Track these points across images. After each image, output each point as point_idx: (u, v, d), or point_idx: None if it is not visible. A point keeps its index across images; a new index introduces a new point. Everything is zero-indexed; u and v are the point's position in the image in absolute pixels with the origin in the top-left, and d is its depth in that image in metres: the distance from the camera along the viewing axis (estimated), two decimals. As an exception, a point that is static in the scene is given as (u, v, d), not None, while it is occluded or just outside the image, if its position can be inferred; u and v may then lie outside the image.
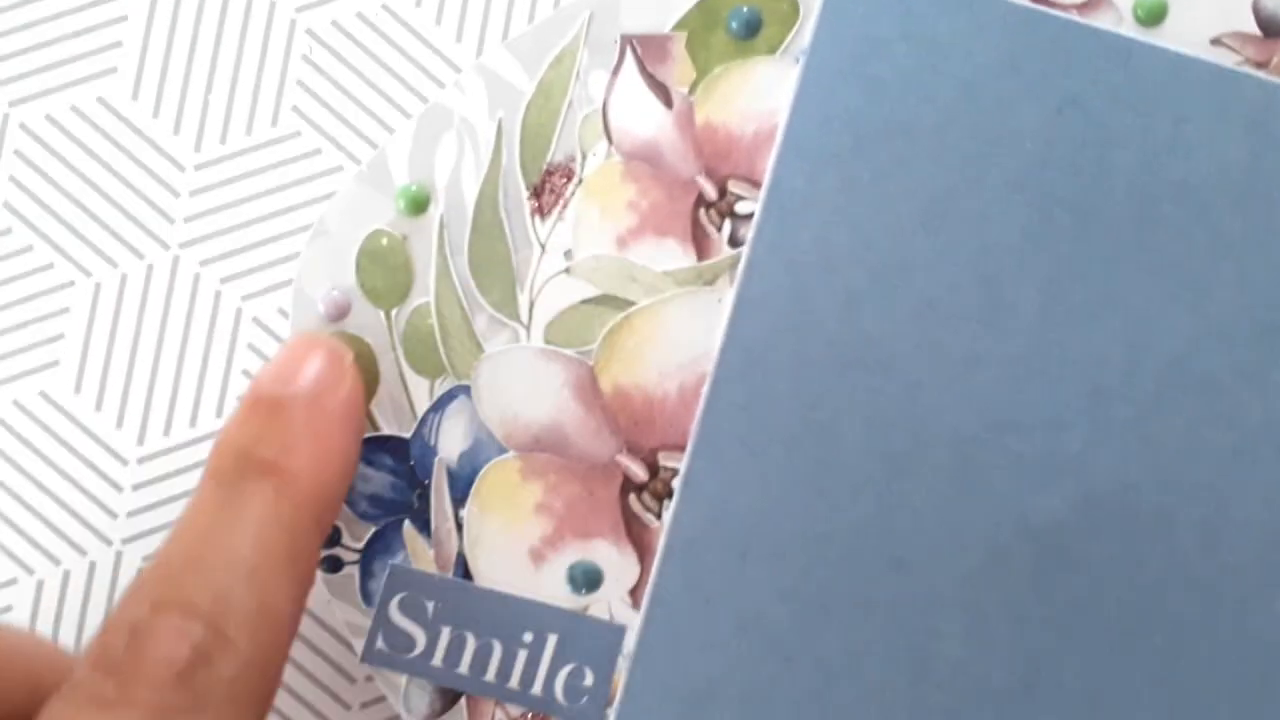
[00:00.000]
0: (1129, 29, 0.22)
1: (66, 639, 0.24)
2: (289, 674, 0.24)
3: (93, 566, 0.24)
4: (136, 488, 0.24)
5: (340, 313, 0.22)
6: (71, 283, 0.24)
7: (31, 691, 0.18)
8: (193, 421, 0.24)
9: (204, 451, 0.24)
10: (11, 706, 0.19)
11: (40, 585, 0.24)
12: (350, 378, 0.21)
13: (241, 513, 0.19)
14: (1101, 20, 0.22)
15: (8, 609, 0.24)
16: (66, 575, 0.24)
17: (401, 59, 0.24)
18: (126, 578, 0.24)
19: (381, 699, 0.24)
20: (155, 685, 0.17)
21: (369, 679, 0.24)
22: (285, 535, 0.19)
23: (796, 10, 0.22)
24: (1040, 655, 0.22)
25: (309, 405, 0.20)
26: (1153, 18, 0.22)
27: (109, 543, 0.24)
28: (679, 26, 0.22)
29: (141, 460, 0.24)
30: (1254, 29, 0.22)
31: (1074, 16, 0.22)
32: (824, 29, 0.22)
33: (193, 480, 0.24)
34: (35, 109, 0.24)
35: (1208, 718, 0.22)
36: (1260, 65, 0.22)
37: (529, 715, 0.23)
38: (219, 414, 0.24)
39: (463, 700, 0.23)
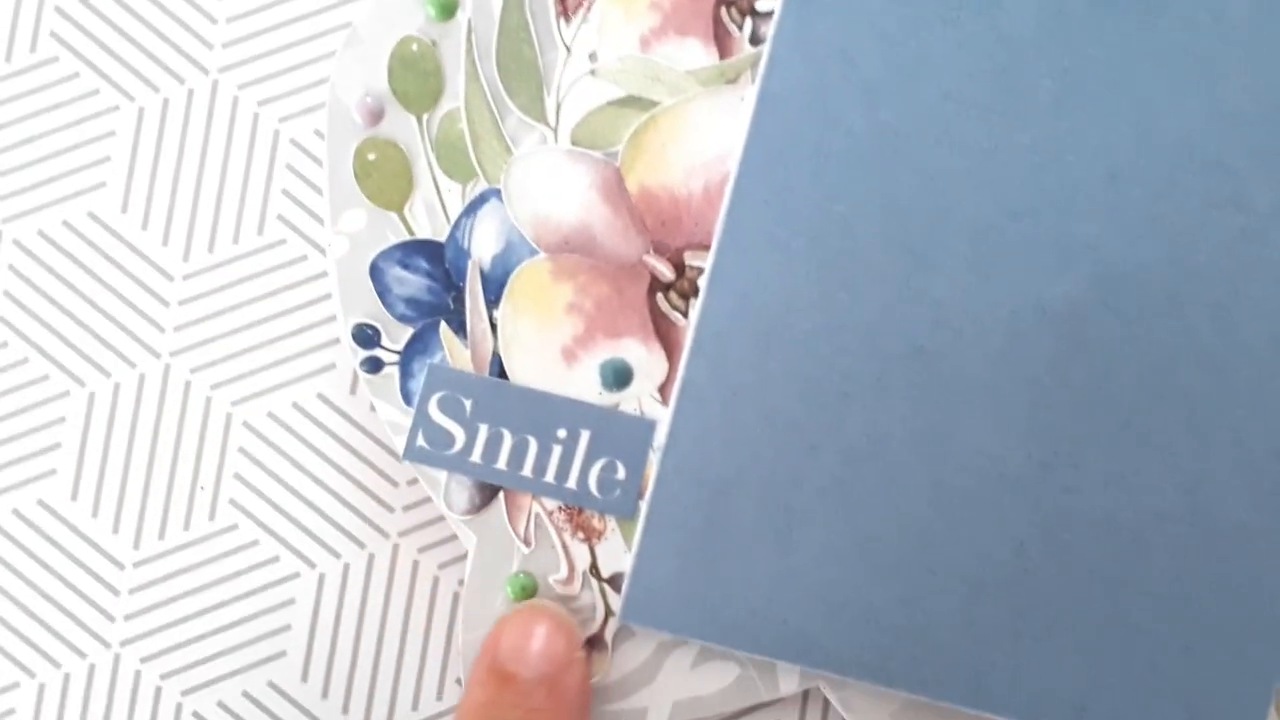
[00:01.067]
0: None
1: (117, 447, 0.25)
2: (335, 481, 0.25)
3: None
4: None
5: (374, 119, 0.23)
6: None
7: None
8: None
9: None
10: None
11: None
12: (578, 649, 0.23)
13: None
14: None
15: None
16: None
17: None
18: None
19: (424, 500, 0.25)
20: None
21: (411, 482, 0.25)
22: None
23: None
24: (1058, 436, 0.23)
25: (548, 687, 0.22)
26: None
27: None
28: None
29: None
30: None
31: None
32: None
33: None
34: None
35: (1223, 494, 0.23)
36: None
37: (565, 508, 0.24)
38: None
39: (500, 495, 0.24)
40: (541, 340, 0.23)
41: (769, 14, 0.23)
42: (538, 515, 0.24)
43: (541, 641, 0.22)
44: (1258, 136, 0.22)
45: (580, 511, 0.24)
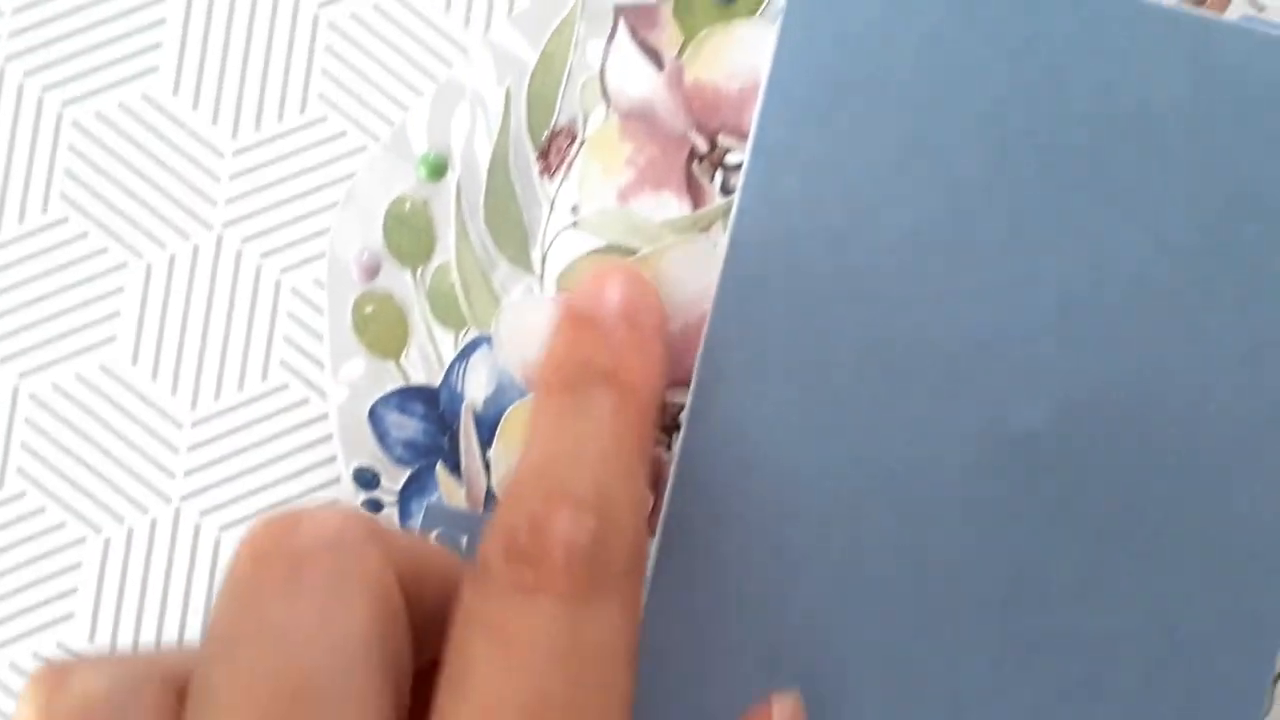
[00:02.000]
0: (1077, -24, 0.24)
1: (132, 590, 0.26)
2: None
3: (154, 523, 0.26)
4: (191, 449, 0.26)
5: (371, 273, 0.25)
6: (124, 264, 0.26)
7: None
8: (240, 385, 0.26)
9: (253, 413, 0.26)
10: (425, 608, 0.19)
11: (107, 542, 0.26)
12: (654, 294, 0.23)
13: (598, 416, 0.21)
14: (1052, -30, 0.24)
15: (78, 564, 0.26)
16: (130, 532, 0.26)
17: (414, 44, 0.26)
18: (185, 532, 0.26)
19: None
20: (567, 571, 0.18)
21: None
22: (636, 434, 0.21)
23: (772, -24, 0.24)
24: (1029, 556, 0.24)
25: (629, 321, 0.22)
26: (1099, -35, 0.24)
27: (168, 500, 0.26)
28: (666, -3, 0.24)
29: (195, 424, 0.26)
30: (1194, -29, 0.24)
31: (1026, -33, 0.24)
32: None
33: (244, 439, 0.26)
34: (86, 107, 0.27)
35: (1190, 605, 0.24)
36: (1199, 3, 0.24)
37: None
38: (264, 377, 0.26)
39: (498, 626, 0.25)
40: (533, 476, 0.25)
41: (737, 166, 0.24)
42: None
43: (616, 286, 0.23)
44: (1199, 267, 0.24)
45: (574, 639, 0.25)
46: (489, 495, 0.25)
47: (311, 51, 0.26)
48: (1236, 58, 0.24)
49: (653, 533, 0.25)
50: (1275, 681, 0.25)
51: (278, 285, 0.26)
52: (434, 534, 0.25)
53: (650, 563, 0.24)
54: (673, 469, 0.24)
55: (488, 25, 0.26)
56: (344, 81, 0.26)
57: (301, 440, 0.26)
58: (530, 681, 0.18)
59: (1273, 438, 0.24)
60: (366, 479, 0.25)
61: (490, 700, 0.17)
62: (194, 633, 0.26)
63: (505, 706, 0.17)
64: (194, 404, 0.26)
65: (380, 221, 0.25)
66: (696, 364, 0.24)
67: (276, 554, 0.17)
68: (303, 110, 0.26)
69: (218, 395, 0.26)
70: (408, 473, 0.25)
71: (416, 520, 0.25)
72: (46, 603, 0.26)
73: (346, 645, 0.17)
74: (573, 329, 0.22)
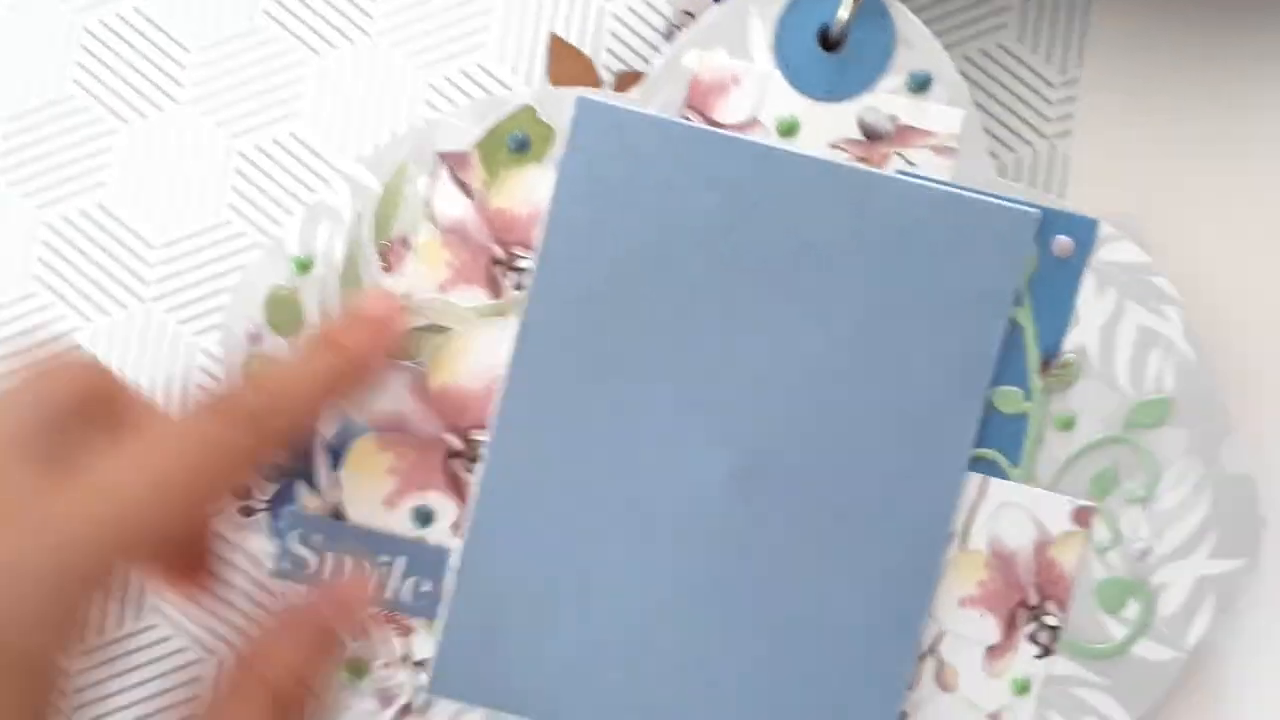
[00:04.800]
0: (773, 140, 0.33)
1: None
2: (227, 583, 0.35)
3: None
4: None
5: (255, 340, 0.34)
6: (86, 322, 0.35)
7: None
8: None
9: None
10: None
11: None
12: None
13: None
14: (754, 134, 0.33)
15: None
16: None
17: (291, 174, 0.35)
18: None
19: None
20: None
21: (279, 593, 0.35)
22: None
23: (553, 134, 0.33)
24: (729, 563, 0.33)
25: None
26: (789, 130, 0.33)
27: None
28: (477, 146, 0.33)
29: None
30: (860, 136, 0.33)
31: (735, 133, 0.33)
32: (568, 149, 0.33)
33: None
34: (56, 211, 0.36)
35: (850, 601, 0.33)
36: (864, 160, 0.33)
37: (387, 612, 0.33)
38: None
39: (342, 604, 0.33)
40: (370, 492, 0.34)
41: (527, 270, 0.33)
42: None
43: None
44: (855, 354, 0.33)
45: (398, 615, 0.33)
46: (337, 505, 0.34)
47: (225, 174, 0.35)
48: (891, 201, 0.33)
49: (459, 534, 0.33)
50: (920, 659, 0.34)
51: (190, 348, 0.35)
52: (296, 533, 0.33)
53: (457, 556, 0.33)
54: (475, 489, 0.33)
55: (345, 161, 0.35)
56: (248, 196, 0.35)
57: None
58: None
59: (905, 483, 0.33)
60: (243, 491, 0.34)
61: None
62: None
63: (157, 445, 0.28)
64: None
65: (263, 302, 0.34)
66: (494, 413, 0.33)
67: None
68: (217, 212, 0.35)
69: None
70: (276, 487, 0.34)
71: (284, 522, 0.33)
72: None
73: None
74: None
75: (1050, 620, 0.34)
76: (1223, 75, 0.36)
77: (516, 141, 0.33)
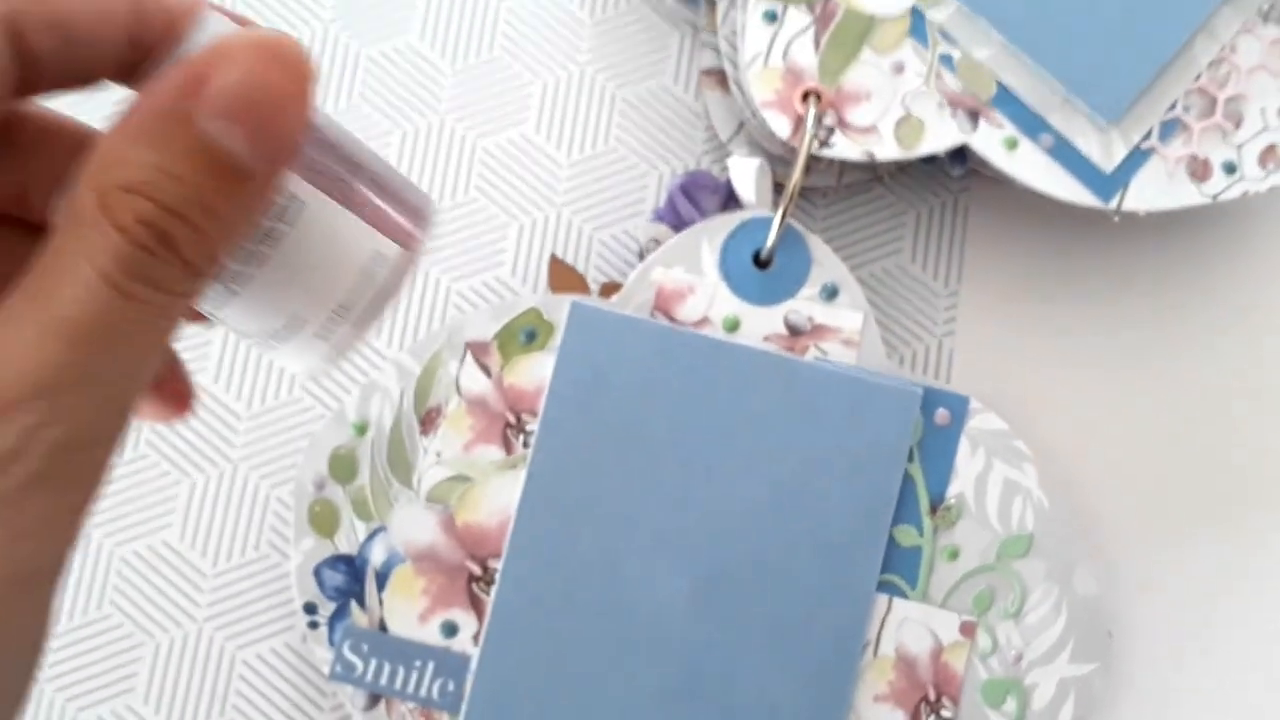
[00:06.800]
0: (720, 334, 0.44)
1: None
2: (285, 684, 0.44)
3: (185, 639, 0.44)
4: (214, 589, 0.44)
5: (320, 488, 0.43)
6: (185, 476, 0.45)
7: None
8: (243, 553, 0.45)
9: (250, 570, 0.44)
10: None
11: None
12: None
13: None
14: (706, 330, 0.44)
15: None
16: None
17: (351, 361, 0.46)
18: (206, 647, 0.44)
19: (340, 705, 0.43)
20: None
21: (334, 693, 0.44)
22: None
23: (553, 329, 0.44)
24: (693, 654, 0.42)
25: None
26: (732, 327, 0.44)
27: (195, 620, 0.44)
28: (495, 337, 0.44)
29: (218, 574, 0.44)
30: (786, 332, 0.44)
31: (691, 329, 0.44)
32: (564, 340, 0.43)
33: (245, 585, 0.44)
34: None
35: (780, 679, 0.42)
36: (789, 349, 0.44)
37: (419, 707, 0.42)
38: (256, 548, 0.44)
39: (382, 700, 0.42)
40: (407, 610, 0.43)
41: (532, 431, 0.43)
42: (403, 712, 0.42)
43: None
44: (787, 499, 0.42)
45: (430, 710, 0.42)
46: (381, 621, 0.43)
47: (297, 359, 0.46)
48: (810, 382, 0.43)
49: (478, 644, 0.42)
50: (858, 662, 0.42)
51: (268, 496, 0.45)
52: (348, 643, 0.42)
53: (475, 662, 0.42)
54: (490, 607, 0.42)
55: (401, 345, 0.46)
56: (316, 378, 0.46)
57: (273, 588, 0.44)
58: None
59: (827, 600, 0.42)
60: (310, 608, 0.43)
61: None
62: None
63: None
64: (215, 563, 0.44)
65: (327, 458, 0.43)
66: (506, 545, 0.43)
67: None
68: (290, 391, 0.45)
69: (229, 558, 0.44)
70: (335, 606, 0.43)
71: (338, 634, 0.42)
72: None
73: None
74: None
75: (946, 713, 0.42)
76: (1069, 285, 0.47)
77: (526, 334, 0.44)
